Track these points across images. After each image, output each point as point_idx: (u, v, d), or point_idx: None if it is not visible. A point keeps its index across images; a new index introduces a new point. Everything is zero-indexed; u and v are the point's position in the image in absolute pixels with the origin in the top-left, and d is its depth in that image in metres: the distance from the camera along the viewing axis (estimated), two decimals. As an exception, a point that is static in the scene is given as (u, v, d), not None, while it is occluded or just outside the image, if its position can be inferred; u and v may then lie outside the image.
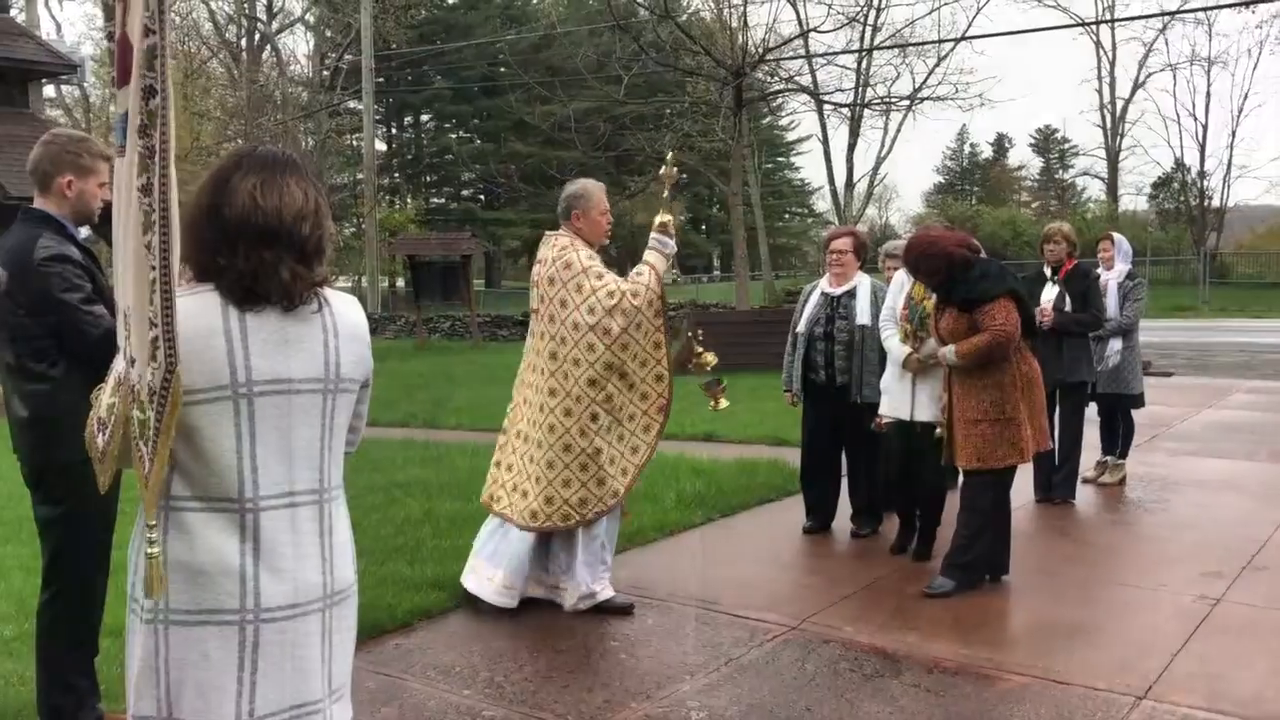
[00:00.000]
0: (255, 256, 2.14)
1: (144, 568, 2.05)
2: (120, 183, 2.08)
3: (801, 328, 6.36)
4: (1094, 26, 43.28)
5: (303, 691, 2.23)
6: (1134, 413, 7.94)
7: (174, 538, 2.10)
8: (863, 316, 6.12)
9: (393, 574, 5.37)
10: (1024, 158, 67.75)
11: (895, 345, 5.83)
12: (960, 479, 5.62)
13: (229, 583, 2.10)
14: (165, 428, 1.96)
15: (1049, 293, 7.06)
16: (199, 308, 2.10)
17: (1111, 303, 7.45)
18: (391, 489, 7.50)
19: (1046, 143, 64.29)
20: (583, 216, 4.94)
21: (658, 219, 4.98)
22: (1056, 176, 63.94)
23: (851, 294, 6.25)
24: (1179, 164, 45.77)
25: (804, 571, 5.81)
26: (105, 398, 2.13)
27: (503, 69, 45.50)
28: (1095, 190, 53.41)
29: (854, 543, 6.28)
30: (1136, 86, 46.93)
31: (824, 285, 6.45)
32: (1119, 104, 47.97)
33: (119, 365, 2.11)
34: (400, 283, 46.03)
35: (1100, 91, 48.12)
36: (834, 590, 5.32)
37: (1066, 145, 61.75)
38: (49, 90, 29.84)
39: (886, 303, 6.02)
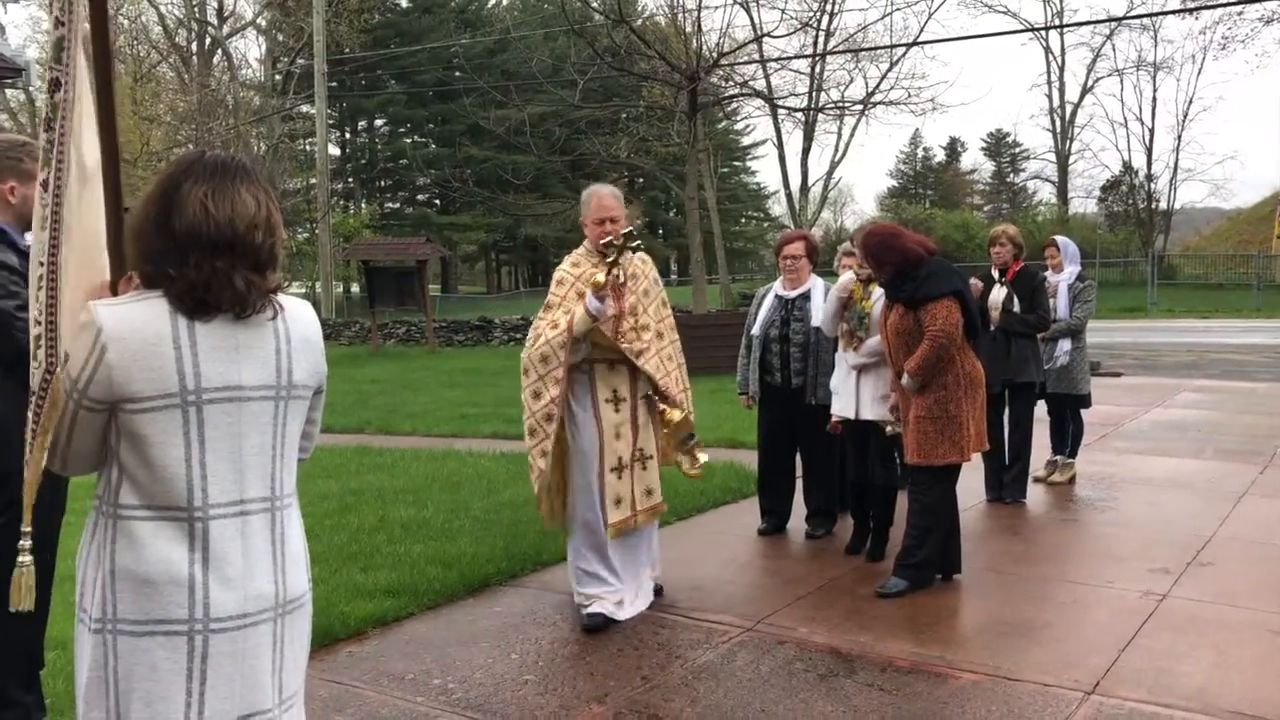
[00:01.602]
0: (207, 267, 2.10)
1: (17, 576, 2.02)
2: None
3: (756, 330, 6.41)
4: (1043, 32, 44.00)
5: (252, 701, 2.20)
6: (1084, 412, 8.06)
7: (122, 547, 2.07)
8: (817, 319, 6.15)
9: (346, 582, 5.32)
10: (976, 161, 68.72)
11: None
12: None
13: (177, 593, 2.08)
14: (42, 429, 1.93)
15: (997, 294, 7.15)
16: (146, 315, 2.06)
17: (1062, 304, 7.57)
18: (345, 496, 7.43)
19: (998, 146, 65.18)
20: (585, 225, 4.99)
21: (594, 277, 4.76)
22: (1008, 180, 64.80)
23: (806, 296, 6.30)
24: (1127, 167, 46.60)
25: (760, 573, 5.83)
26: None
27: (457, 73, 45.37)
28: (1046, 193, 54.26)
29: (809, 544, 6.31)
30: (1085, 91, 47.79)
31: (778, 288, 6.48)
32: (1068, 108, 48.80)
33: None
34: (355, 288, 45.72)
35: (1050, 96, 49.00)
36: (789, 591, 5.35)
37: (1018, 149, 62.66)
38: (-7, 94, 29.31)
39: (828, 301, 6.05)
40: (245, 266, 2.14)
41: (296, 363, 2.24)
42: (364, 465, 8.77)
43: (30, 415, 1.96)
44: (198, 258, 2.10)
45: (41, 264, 1.93)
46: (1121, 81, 54.64)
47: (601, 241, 4.78)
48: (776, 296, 6.43)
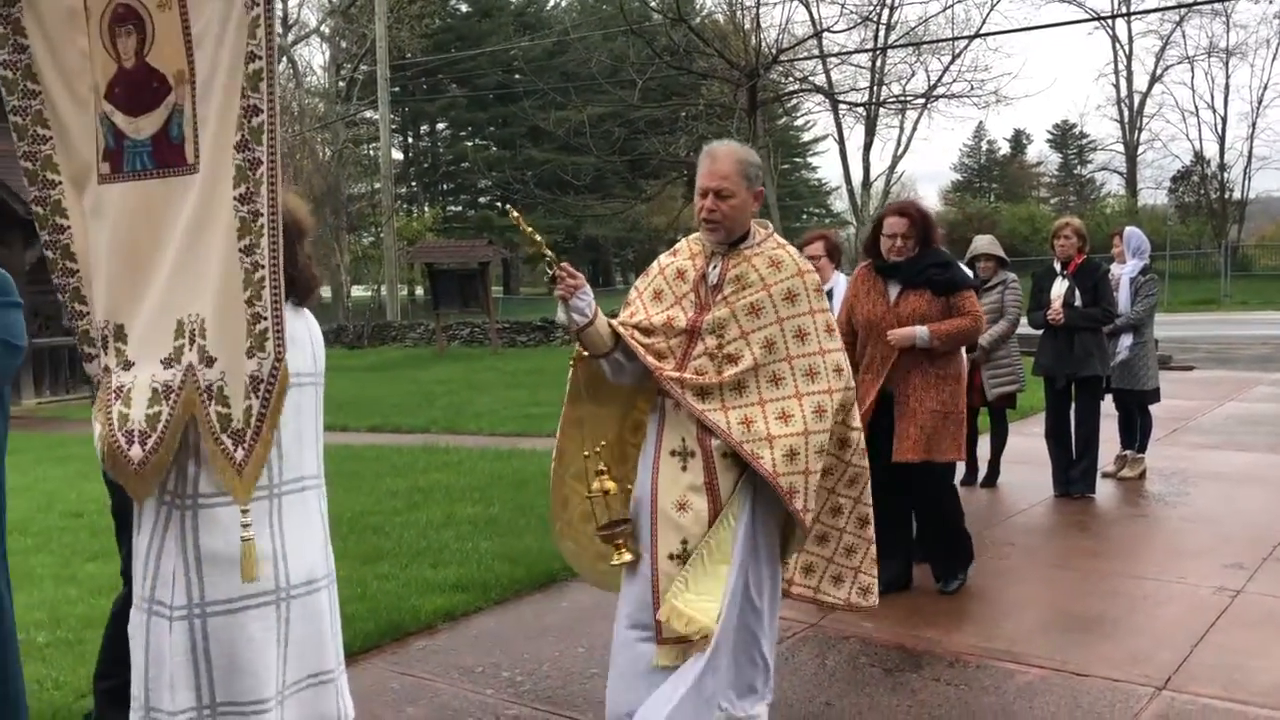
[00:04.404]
0: (304, 257, 2.43)
1: (240, 553, 2.17)
2: (154, 201, 2.19)
3: None
4: (1110, 20, 43.13)
5: (319, 661, 2.42)
6: (1155, 407, 7.94)
7: (206, 533, 2.22)
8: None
9: (416, 577, 5.44)
10: (1042, 153, 67.42)
11: None
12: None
13: (265, 565, 2.25)
14: (273, 411, 2.11)
15: (1058, 287, 7.08)
16: None
17: (1123, 298, 7.46)
18: (413, 493, 7.57)
19: (1064, 138, 63.98)
20: None
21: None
22: (1075, 172, 63.62)
23: (829, 295, 6.13)
24: (1198, 157, 45.52)
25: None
26: (138, 410, 2.19)
27: (517, 76, 45.71)
28: (1114, 185, 53.17)
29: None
30: (1154, 80, 46.72)
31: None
32: (1136, 98, 47.75)
33: (126, 377, 2.21)
34: (419, 291, 46.26)
35: (1117, 86, 47.92)
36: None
37: (1084, 140, 61.46)
38: None
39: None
40: (309, 256, 2.41)
41: (318, 351, 2.52)
42: (431, 464, 8.91)
43: (256, 402, 2.11)
44: (301, 251, 2.42)
45: (260, 265, 2.11)
46: (1192, 69, 53.09)
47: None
48: None
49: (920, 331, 4.90)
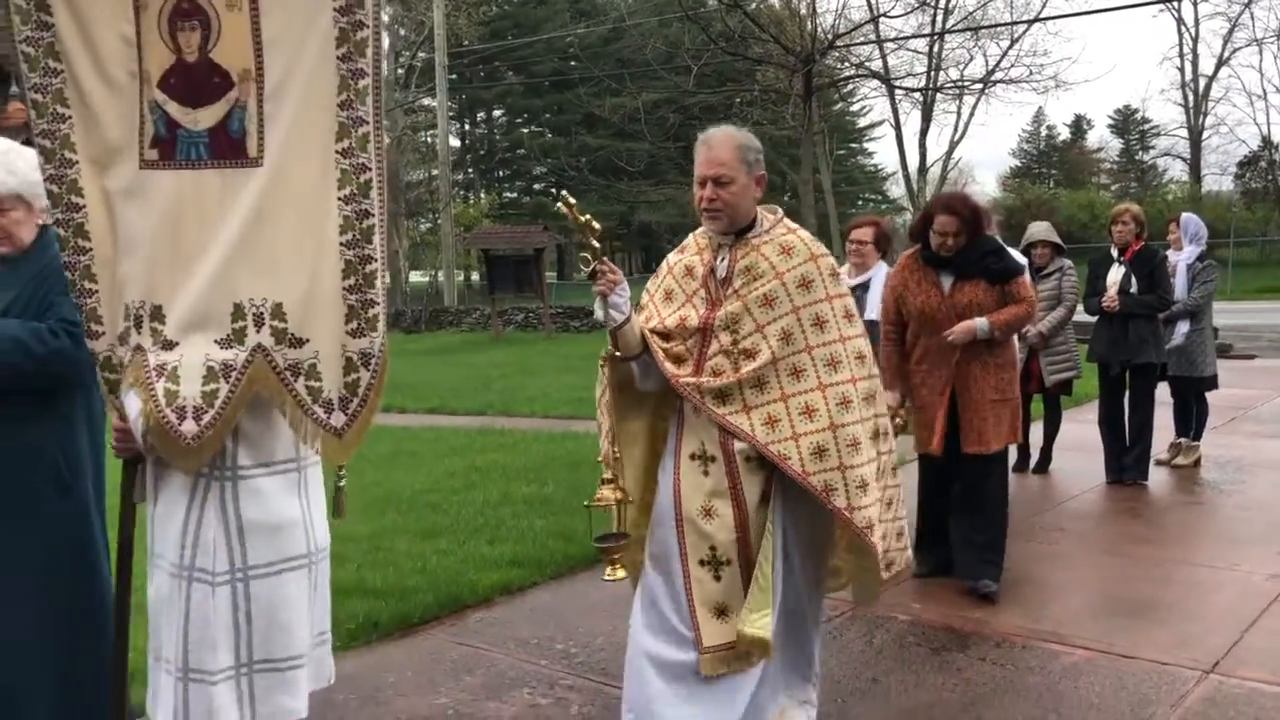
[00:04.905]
0: None
1: (334, 501, 2.57)
2: (207, 189, 2.35)
3: None
4: (1175, 3, 42.21)
5: (323, 621, 2.68)
6: (1213, 395, 7.87)
7: (247, 504, 2.42)
8: (873, 311, 5.73)
9: (474, 553, 5.60)
10: (1103, 139, 66.15)
11: None
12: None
13: (298, 532, 2.50)
14: (379, 383, 2.37)
15: (1115, 274, 7.05)
16: None
17: (1180, 284, 7.40)
18: (470, 473, 7.74)
19: (1126, 123, 62.74)
20: None
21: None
22: (1136, 158, 62.40)
23: (866, 286, 5.95)
24: (1266, 142, 44.41)
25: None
26: (191, 387, 2.33)
27: (573, 63, 45.78)
28: (1177, 171, 52.08)
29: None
30: (1220, 63, 45.63)
31: (841, 275, 6.22)
32: (1201, 82, 46.72)
33: (169, 356, 2.36)
34: (475, 276, 46.66)
35: (1182, 69, 46.91)
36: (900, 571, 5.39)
37: (1147, 126, 60.25)
38: None
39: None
40: None
41: None
42: (487, 445, 9.09)
43: (366, 375, 2.36)
44: None
45: (373, 259, 2.35)
46: (1261, 52, 51.71)
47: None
48: None
49: (981, 324, 4.86)
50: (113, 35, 2.35)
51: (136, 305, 2.38)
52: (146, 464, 2.51)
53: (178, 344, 2.35)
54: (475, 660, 4.30)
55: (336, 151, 2.30)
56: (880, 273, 6.03)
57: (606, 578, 3.12)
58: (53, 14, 2.35)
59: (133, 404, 2.38)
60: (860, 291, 5.95)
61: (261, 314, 2.33)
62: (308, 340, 2.35)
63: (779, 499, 3.05)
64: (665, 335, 3.15)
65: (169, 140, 2.36)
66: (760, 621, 2.99)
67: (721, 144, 3.09)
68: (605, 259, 2.97)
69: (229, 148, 2.35)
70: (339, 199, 2.30)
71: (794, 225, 3.24)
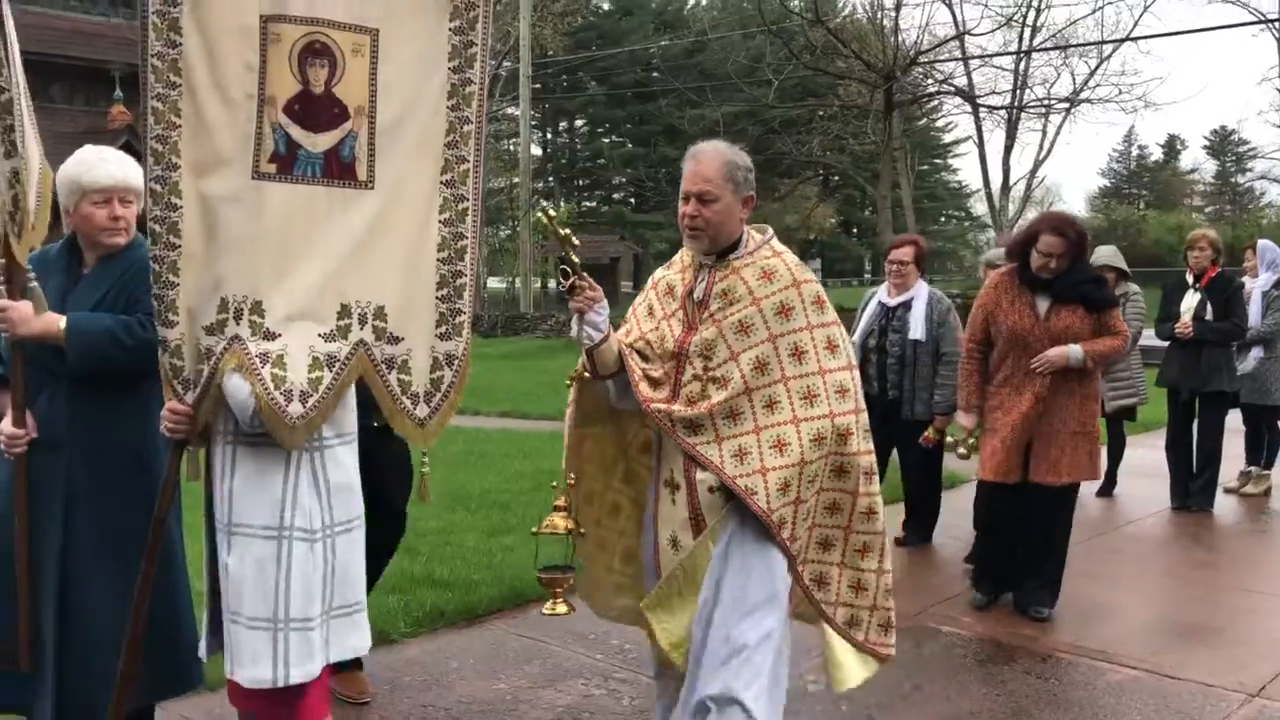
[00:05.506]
0: None
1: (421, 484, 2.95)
2: (318, 203, 2.70)
3: (856, 338, 5.98)
4: (1276, 23, 41.09)
5: (359, 590, 2.96)
6: (1281, 424, 7.79)
7: (331, 468, 2.77)
8: (916, 330, 5.88)
9: (539, 551, 5.78)
10: (1196, 160, 64.67)
11: None
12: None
13: (358, 495, 2.85)
14: (461, 382, 2.80)
15: (1189, 300, 7.03)
16: None
17: (1254, 311, 7.33)
18: (538, 475, 7.96)
19: (1222, 144, 61.25)
20: None
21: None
22: (1232, 180, 60.84)
23: (907, 306, 5.98)
24: (1367, 166, 43.06)
25: (904, 571, 5.97)
26: (298, 374, 2.62)
27: (655, 74, 46.19)
28: (1274, 194, 50.70)
29: (952, 550, 6.38)
30: (1322, 84, 44.29)
31: (881, 294, 6.16)
32: (1302, 103, 45.40)
33: (271, 345, 2.64)
34: (552, 284, 47.24)
35: (1281, 90, 45.63)
36: (945, 588, 5.48)
37: (1244, 147, 58.71)
38: None
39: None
40: None
41: None
42: (557, 449, 9.07)
43: (449, 374, 2.78)
44: None
45: (464, 274, 2.80)
46: (1366, 72, 50.25)
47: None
48: (879, 303, 6.11)
49: (1075, 351, 4.75)
50: (237, 61, 2.64)
51: (239, 299, 2.62)
52: (208, 443, 2.76)
53: (280, 335, 2.62)
54: (534, 651, 4.50)
55: (441, 182, 2.77)
56: (921, 292, 6.03)
57: (546, 612, 3.11)
58: (183, 36, 2.64)
59: (240, 386, 2.60)
60: (902, 311, 6.00)
61: (365, 314, 2.70)
62: (402, 339, 2.74)
63: (731, 521, 2.91)
64: (646, 357, 3.05)
65: (288, 158, 2.66)
66: (670, 626, 2.99)
67: (709, 160, 2.99)
68: (585, 274, 2.89)
69: (339, 170, 2.70)
70: (439, 221, 2.77)
71: (781, 248, 3.08)
